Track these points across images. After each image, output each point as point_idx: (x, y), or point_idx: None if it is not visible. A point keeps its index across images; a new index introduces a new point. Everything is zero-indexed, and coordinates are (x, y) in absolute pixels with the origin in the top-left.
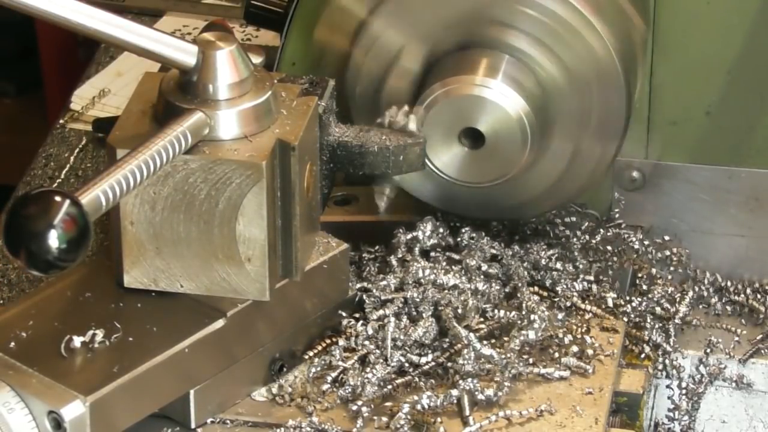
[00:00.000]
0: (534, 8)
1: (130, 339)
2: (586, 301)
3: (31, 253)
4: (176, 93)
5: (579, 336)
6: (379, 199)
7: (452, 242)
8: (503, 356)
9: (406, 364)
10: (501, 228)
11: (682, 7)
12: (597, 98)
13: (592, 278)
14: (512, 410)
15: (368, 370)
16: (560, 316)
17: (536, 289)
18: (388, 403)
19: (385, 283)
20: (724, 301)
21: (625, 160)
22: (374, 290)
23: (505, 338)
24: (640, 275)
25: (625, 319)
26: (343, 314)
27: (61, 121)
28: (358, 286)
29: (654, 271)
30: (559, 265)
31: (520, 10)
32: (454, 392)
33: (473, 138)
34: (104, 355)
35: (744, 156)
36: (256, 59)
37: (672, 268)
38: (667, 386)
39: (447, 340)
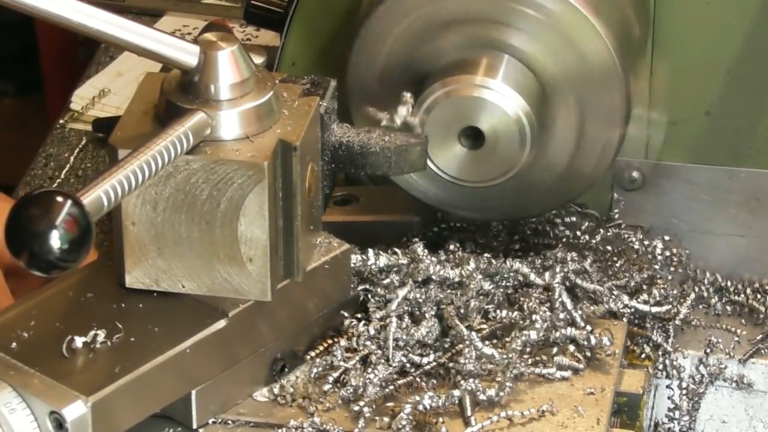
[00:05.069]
0: (533, 8)
1: (132, 339)
2: (587, 301)
3: (33, 254)
4: (178, 93)
5: (580, 336)
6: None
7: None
8: (505, 356)
9: (408, 365)
10: (501, 228)
11: (682, 7)
12: (597, 98)
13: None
14: (514, 410)
15: (370, 370)
16: (561, 316)
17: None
18: (389, 404)
19: (388, 281)
20: (724, 301)
21: (625, 160)
22: (379, 289)
23: (507, 338)
24: (640, 275)
25: (625, 319)
26: (345, 314)
27: (61, 121)
28: (361, 288)
29: (654, 270)
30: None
31: (520, 10)
32: (456, 392)
33: (473, 137)
34: (106, 355)
35: (744, 156)
36: (258, 59)
37: (672, 269)
38: (667, 386)
39: (448, 340)
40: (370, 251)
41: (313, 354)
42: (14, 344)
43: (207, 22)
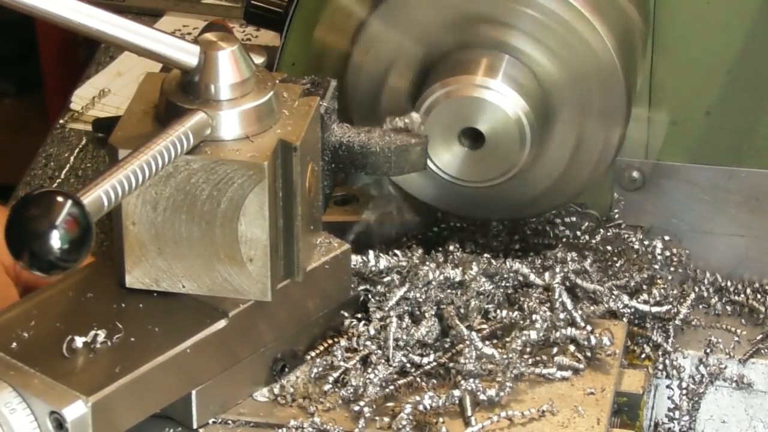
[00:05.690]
0: (533, 8)
1: (132, 339)
2: (587, 301)
3: (33, 254)
4: (178, 93)
5: (580, 336)
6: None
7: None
8: (505, 356)
9: (408, 365)
10: (501, 228)
11: (682, 6)
12: (597, 98)
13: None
14: (514, 410)
15: (370, 370)
16: (561, 316)
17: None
18: (390, 404)
19: (389, 278)
20: (724, 301)
21: (625, 160)
22: (379, 287)
23: (507, 338)
24: (640, 275)
25: (625, 319)
26: (345, 314)
27: (61, 121)
28: (361, 288)
29: (654, 270)
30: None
31: (520, 9)
32: (456, 392)
33: (473, 137)
34: (106, 355)
35: (744, 156)
36: (258, 59)
37: (672, 269)
38: (667, 386)
39: (448, 340)
40: (371, 253)
41: (313, 354)
42: (14, 344)
43: (207, 22)
